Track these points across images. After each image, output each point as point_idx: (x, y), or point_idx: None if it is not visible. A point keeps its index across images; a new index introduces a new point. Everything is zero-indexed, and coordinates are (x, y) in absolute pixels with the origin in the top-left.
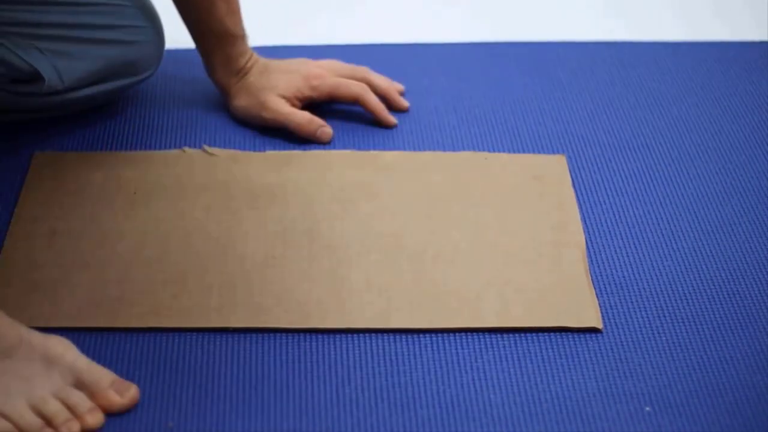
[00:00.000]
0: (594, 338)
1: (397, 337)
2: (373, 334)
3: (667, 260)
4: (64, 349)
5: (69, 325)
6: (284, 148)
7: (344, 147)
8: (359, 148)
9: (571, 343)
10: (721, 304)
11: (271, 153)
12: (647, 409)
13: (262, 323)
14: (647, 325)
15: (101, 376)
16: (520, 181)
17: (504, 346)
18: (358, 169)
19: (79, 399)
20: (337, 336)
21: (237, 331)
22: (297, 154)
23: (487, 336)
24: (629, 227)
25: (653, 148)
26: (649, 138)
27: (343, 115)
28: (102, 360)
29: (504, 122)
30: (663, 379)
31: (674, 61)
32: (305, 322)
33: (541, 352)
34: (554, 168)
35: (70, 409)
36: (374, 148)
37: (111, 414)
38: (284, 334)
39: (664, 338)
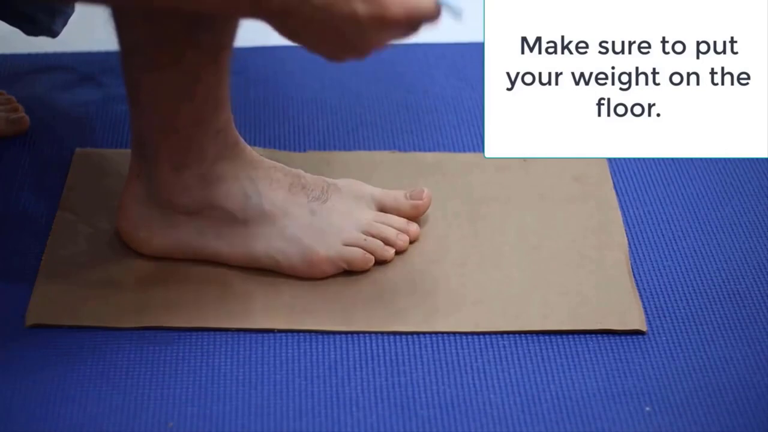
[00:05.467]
0: (594, 338)
1: (397, 337)
2: (373, 335)
3: (666, 260)
4: (360, 182)
5: (116, 326)
6: (325, 149)
7: (342, 147)
8: (358, 149)
9: (571, 343)
10: (721, 304)
11: (312, 153)
12: (647, 409)
13: (306, 326)
14: (647, 325)
15: (396, 194)
16: (561, 183)
17: (503, 346)
18: (401, 169)
19: (393, 218)
20: (337, 336)
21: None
22: (338, 155)
23: (486, 336)
24: (630, 229)
25: None
26: None
27: (342, 113)
28: (102, 359)
29: None
30: (663, 379)
31: None
32: (350, 325)
33: (540, 351)
34: (595, 169)
35: (390, 226)
36: (374, 149)
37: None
38: (284, 334)
39: (664, 338)
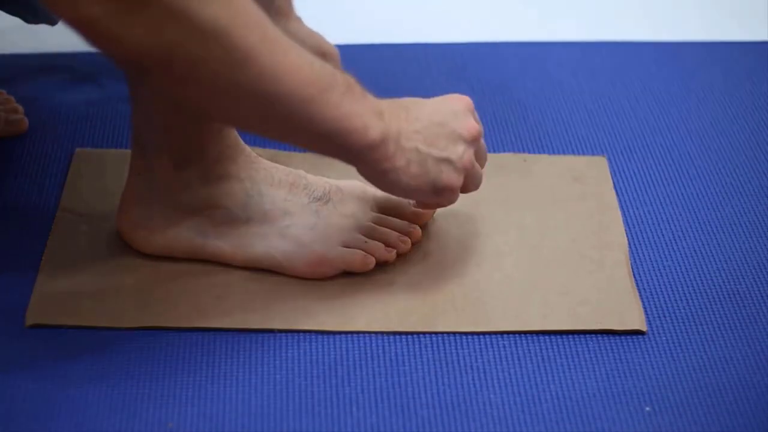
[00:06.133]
0: (594, 338)
1: (397, 337)
2: (372, 335)
3: (666, 260)
4: (362, 184)
5: (116, 326)
6: None
7: None
8: None
9: (571, 343)
10: (721, 304)
11: (313, 153)
12: (647, 409)
13: (306, 326)
14: (647, 325)
15: (399, 199)
16: (561, 183)
17: (504, 346)
18: None
19: (395, 220)
20: (337, 336)
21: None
22: None
23: (486, 336)
24: (630, 229)
25: (653, 149)
26: (648, 138)
27: None
28: (104, 359)
29: (504, 122)
30: (663, 379)
31: (675, 61)
32: (349, 325)
33: (540, 351)
34: (595, 169)
35: (393, 228)
36: None
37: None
38: (284, 334)
39: (664, 338)
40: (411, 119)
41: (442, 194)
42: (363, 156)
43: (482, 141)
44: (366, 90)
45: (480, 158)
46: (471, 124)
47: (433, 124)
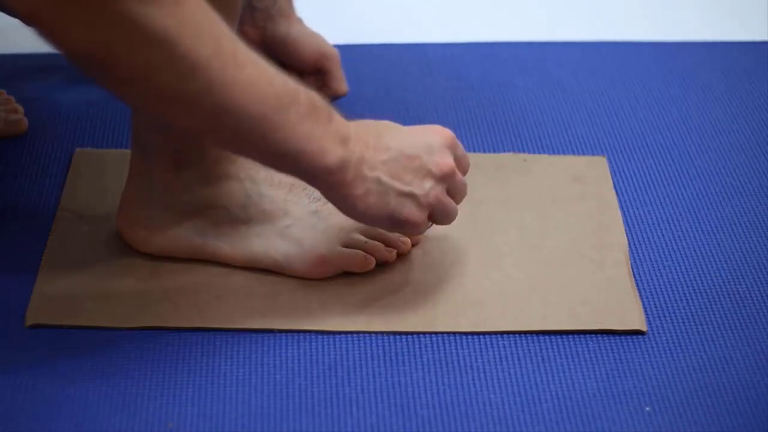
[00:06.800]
0: (594, 338)
1: (397, 337)
2: (372, 335)
3: (666, 260)
4: None
5: (116, 326)
6: None
7: None
8: None
9: (571, 343)
10: (721, 304)
11: None
12: (647, 409)
13: (306, 326)
14: (647, 325)
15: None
16: (561, 183)
17: (504, 346)
18: None
19: None
20: (337, 336)
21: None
22: None
23: (486, 336)
24: (630, 229)
25: (653, 149)
26: (648, 138)
27: (342, 113)
28: (103, 358)
29: (504, 123)
30: (663, 379)
31: (675, 61)
32: (351, 325)
33: (540, 351)
34: (595, 169)
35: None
36: None
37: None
38: (284, 334)
39: (664, 338)
40: (380, 147)
41: (402, 227)
42: (320, 179)
43: (459, 176)
44: (336, 112)
45: (455, 194)
46: (444, 161)
47: (403, 156)
